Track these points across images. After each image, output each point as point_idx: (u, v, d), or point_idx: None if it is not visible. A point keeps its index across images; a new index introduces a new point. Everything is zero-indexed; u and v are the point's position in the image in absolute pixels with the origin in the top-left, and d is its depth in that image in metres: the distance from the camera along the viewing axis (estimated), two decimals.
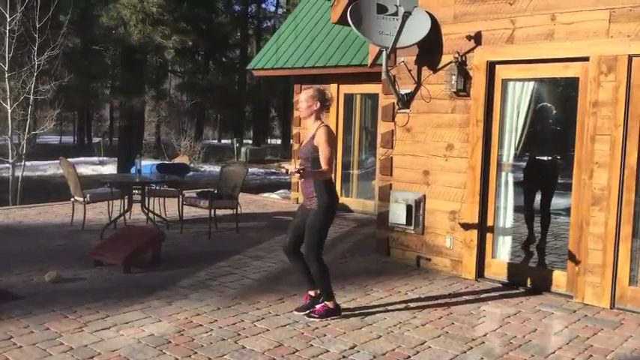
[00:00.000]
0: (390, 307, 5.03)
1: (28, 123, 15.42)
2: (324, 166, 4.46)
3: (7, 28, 14.64)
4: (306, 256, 4.60)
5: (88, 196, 7.88)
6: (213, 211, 7.69)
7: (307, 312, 4.74)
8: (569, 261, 5.46)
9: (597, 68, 5.18)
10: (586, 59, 5.26)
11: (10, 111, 14.90)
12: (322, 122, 4.61)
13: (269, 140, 47.84)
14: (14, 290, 5.18)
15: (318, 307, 4.72)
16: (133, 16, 22.72)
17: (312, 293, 4.83)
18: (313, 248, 4.57)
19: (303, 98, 4.64)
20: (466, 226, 6.00)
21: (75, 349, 3.94)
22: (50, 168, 24.17)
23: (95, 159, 27.85)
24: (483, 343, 4.31)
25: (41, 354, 3.86)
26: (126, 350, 3.95)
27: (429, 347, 4.19)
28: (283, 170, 4.68)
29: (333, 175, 10.07)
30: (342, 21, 6.88)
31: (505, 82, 5.86)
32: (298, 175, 4.29)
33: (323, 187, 4.53)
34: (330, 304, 4.71)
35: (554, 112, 6.19)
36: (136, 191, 8.19)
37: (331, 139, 4.51)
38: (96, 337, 4.15)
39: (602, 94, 5.17)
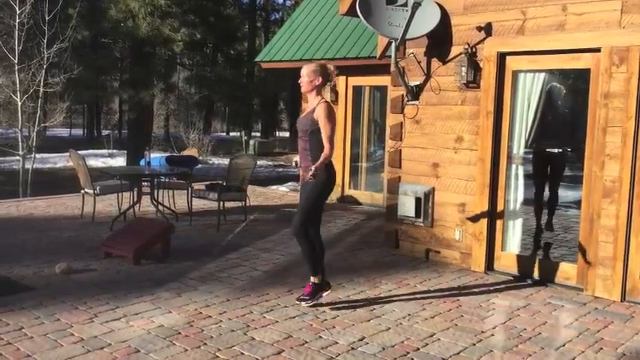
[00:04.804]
0: (398, 300, 5.03)
1: (38, 115, 15.52)
2: (325, 144, 4.50)
3: (17, 20, 14.71)
4: (295, 221, 4.63)
5: (97, 188, 7.91)
6: (222, 203, 7.70)
7: (299, 296, 4.79)
8: (579, 254, 5.43)
9: (609, 59, 5.13)
10: (597, 50, 5.21)
11: (20, 103, 14.99)
12: (323, 98, 4.63)
13: (277, 133, 47.81)
14: (25, 282, 5.21)
15: (305, 289, 4.76)
16: (142, 8, 22.70)
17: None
18: (302, 216, 4.60)
19: (305, 73, 4.66)
20: (475, 219, 5.97)
21: (85, 340, 3.96)
22: (60, 160, 24.30)
23: (105, 152, 27.96)
24: (493, 335, 4.31)
25: (52, 344, 3.89)
26: (136, 341, 3.97)
27: (438, 339, 4.18)
28: (293, 164, 4.68)
29: (341, 164, 9.95)
30: (351, 12, 6.84)
31: (515, 74, 5.81)
32: (314, 174, 4.32)
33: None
34: (315, 279, 4.72)
35: (564, 92, 6.13)
36: (146, 184, 8.21)
37: (331, 115, 4.54)
38: (106, 328, 4.18)
39: (613, 85, 5.12)
